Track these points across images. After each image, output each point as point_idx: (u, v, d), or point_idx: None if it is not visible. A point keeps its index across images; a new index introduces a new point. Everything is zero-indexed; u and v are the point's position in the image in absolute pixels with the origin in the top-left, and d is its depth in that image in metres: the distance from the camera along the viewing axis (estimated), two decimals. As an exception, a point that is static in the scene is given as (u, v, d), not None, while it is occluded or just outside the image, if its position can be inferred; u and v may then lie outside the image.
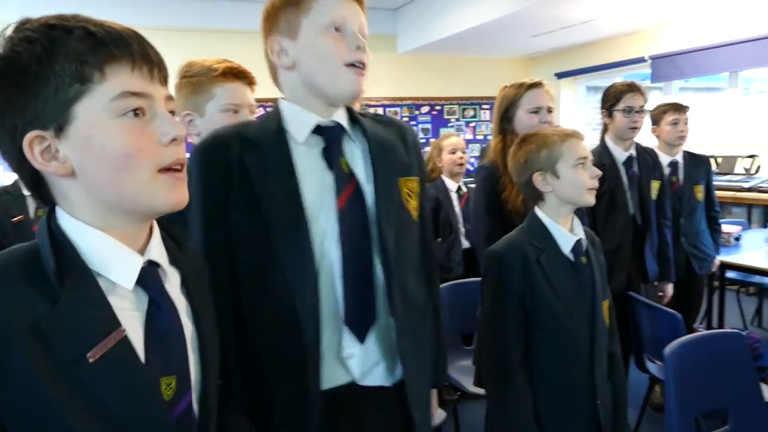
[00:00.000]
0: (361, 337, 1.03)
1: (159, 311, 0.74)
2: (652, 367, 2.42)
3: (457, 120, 7.50)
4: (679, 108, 3.05)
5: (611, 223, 2.51)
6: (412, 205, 1.11)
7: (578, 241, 1.43)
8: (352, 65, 1.06)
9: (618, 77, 6.76)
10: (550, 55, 7.40)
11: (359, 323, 1.03)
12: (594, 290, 1.41)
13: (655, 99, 6.18)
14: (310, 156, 1.06)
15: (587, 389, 1.40)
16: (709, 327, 3.50)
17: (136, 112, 0.71)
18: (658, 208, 2.62)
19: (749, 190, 4.67)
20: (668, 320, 2.18)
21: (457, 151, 3.17)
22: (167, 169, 0.73)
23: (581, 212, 2.48)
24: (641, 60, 6.21)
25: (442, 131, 7.22)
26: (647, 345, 2.42)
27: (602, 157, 2.57)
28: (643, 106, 2.50)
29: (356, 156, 1.09)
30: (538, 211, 1.47)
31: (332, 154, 1.07)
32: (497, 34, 6.07)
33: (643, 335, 2.43)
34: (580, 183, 1.42)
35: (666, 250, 2.65)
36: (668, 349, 1.81)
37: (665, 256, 2.64)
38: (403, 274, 1.07)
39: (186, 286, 0.82)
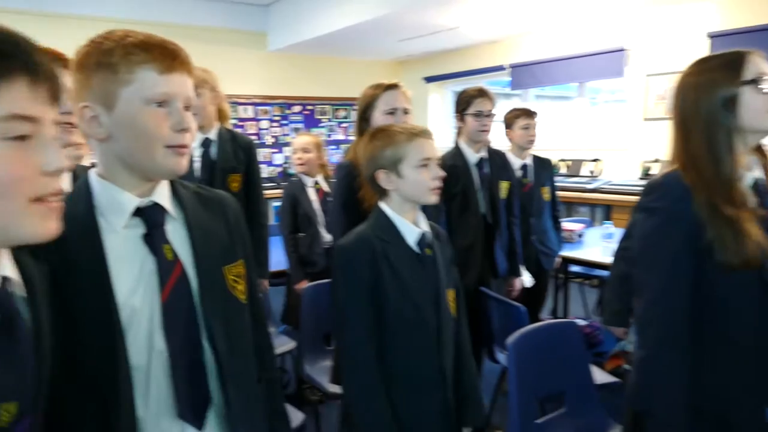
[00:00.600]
0: (198, 425, 0.99)
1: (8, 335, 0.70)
2: (502, 357, 2.56)
3: (329, 120, 7.53)
4: (530, 113, 3.26)
5: (464, 222, 2.63)
6: (240, 289, 1.07)
7: (423, 234, 1.47)
8: (173, 146, 0.95)
9: (481, 83, 7.12)
10: (419, 59, 7.64)
11: (192, 412, 0.98)
12: (438, 281, 1.46)
13: (514, 105, 6.58)
14: (128, 241, 0.96)
15: (437, 379, 1.45)
16: (555, 317, 3.78)
17: (23, 137, 0.65)
18: (508, 208, 2.77)
19: (593, 191, 5.11)
20: (514, 313, 2.32)
21: (298, 151, 3.22)
22: (40, 199, 0.69)
23: (438, 212, 2.59)
24: (501, 68, 6.60)
25: (312, 132, 7.20)
26: (497, 336, 2.56)
27: (456, 158, 2.68)
28: (491, 110, 2.64)
29: (181, 238, 1.01)
30: (383, 205, 1.49)
31: (155, 242, 0.97)
32: (367, 37, 6.17)
33: (494, 327, 2.56)
34: (422, 183, 1.44)
35: (515, 246, 2.82)
36: (510, 339, 1.92)
37: (514, 253, 2.81)
38: (236, 361, 1.03)
39: (33, 301, 0.77)
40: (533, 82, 6.41)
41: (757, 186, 1.31)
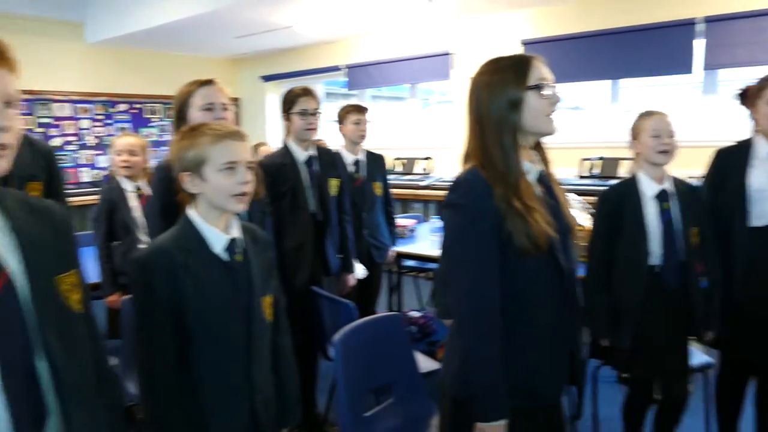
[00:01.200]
0: None
1: None
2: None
3: (160, 120, 7.10)
4: (360, 109, 3.33)
5: (294, 221, 2.61)
6: (75, 299, 1.02)
7: (233, 240, 1.42)
8: None
9: (319, 83, 7.16)
10: (256, 57, 7.49)
11: (30, 427, 0.91)
12: (251, 288, 1.42)
13: (351, 105, 6.68)
14: None
15: (245, 387, 1.41)
16: (390, 310, 3.91)
17: None
18: (338, 205, 2.81)
19: (426, 187, 5.36)
20: (344, 309, 2.35)
21: (123, 153, 2.99)
22: None
23: (264, 213, 2.54)
24: (338, 68, 6.68)
25: (141, 132, 6.76)
26: (329, 334, 2.57)
27: (284, 157, 2.66)
28: (317, 109, 2.65)
29: (7, 246, 0.93)
30: (190, 211, 1.42)
31: None
32: (200, 32, 5.91)
33: (326, 325, 2.58)
34: (224, 189, 1.38)
35: (347, 243, 2.86)
36: (337, 336, 1.94)
37: (346, 250, 2.85)
38: (73, 372, 0.97)
39: None
40: (369, 83, 6.57)
41: (541, 178, 1.44)
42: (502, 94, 1.35)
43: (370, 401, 2.13)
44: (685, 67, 4.62)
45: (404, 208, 5.72)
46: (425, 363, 2.49)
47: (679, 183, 2.16)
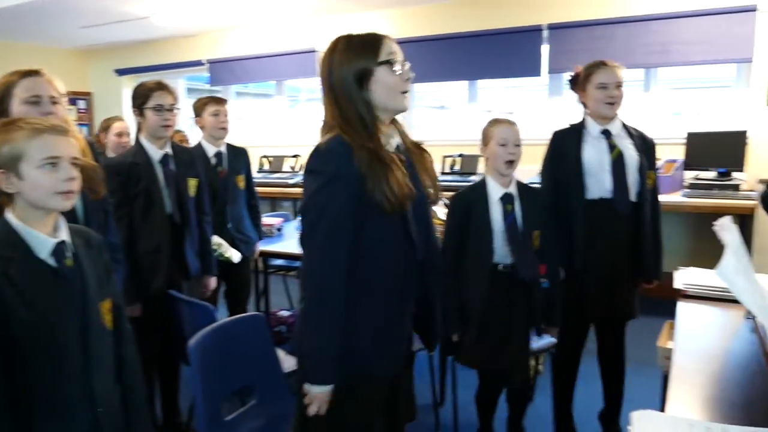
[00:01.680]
0: None
1: None
2: (197, 359, 2.49)
3: None
4: (218, 100, 3.22)
5: (149, 223, 2.47)
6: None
7: (60, 244, 1.31)
8: None
9: (180, 78, 6.85)
10: (109, 49, 7.00)
11: None
12: (85, 294, 1.32)
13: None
14: None
15: (84, 400, 1.31)
16: (258, 310, 3.84)
17: None
18: (197, 205, 2.69)
19: (294, 185, 5.31)
20: (203, 312, 2.27)
21: None
22: None
23: (121, 213, 2.38)
24: (200, 63, 6.43)
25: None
26: (190, 339, 2.47)
27: (137, 156, 2.50)
28: (173, 104, 2.53)
29: None
30: (8, 214, 1.29)
31: None
32: (40, 20, 5.42)
33: (186, 330, 2.47)
34: (45, 186, 1.27)
35: (207, 245, 2.76)
36: (192, 340, 1.87)
37: (206, 251, 2.75)
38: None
39: None
40: (232, 79, 6.39)
41: (399, 150, 1.49)
42: (351, 67, 1.39)
43: (235, 404, 2.08)
44: (534, 70, 4.98)
45: (273, 206, 5.64)
46: (292, 362, 2.46)
47: (523, 188, 2.30)
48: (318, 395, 1.41)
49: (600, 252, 2.35)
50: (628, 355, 2.56)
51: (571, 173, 2.36)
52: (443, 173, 5.01)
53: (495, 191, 2.24)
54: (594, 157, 2.35)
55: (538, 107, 5.34)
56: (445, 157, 5.08)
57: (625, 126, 2.43)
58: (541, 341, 2.53)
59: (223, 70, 6.36)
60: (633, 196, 2.35)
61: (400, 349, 1.54)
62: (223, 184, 3.17)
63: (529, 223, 2.23)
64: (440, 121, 7.21)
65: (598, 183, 2.35)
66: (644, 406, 0.97)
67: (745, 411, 1.01)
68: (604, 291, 2.37)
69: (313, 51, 5.66)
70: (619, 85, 2.34)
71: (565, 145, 2.41)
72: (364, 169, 1.35)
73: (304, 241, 1.43)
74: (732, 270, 1.01)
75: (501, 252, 2.22)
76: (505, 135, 2.19)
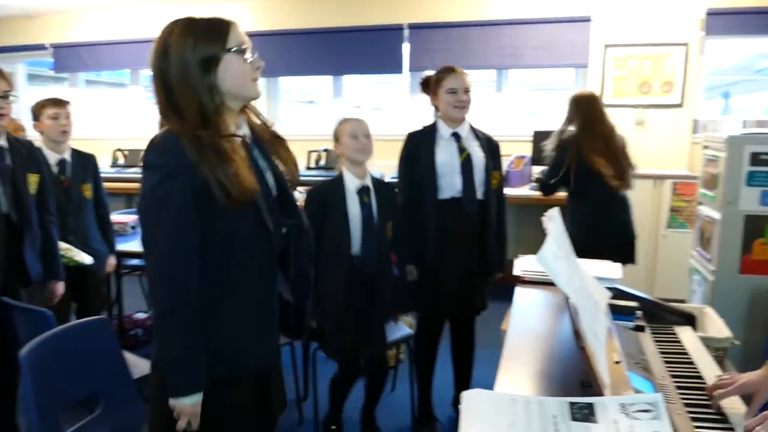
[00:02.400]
0: None
1: None
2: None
3: None
4: (59, 102, 2.95)
5: (-24, 223, 2.23)
6: None
7: None
8: None
9: (19, 63, 6.23)
10: (-70, 27, 6.19)
11: None
12: None
13: (61, 92, 5.96)
14: None
15: None
16: (110, 314, 3.61)
17: None
18: (39, 204, 2.46)
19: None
20: (40, 320, 2.09)
21: None
22: None
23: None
24: (43, 47, 5.88)
25: None
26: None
27: (-43, 149, 2.24)
28: (8, 91, 2.28)
29: None
30: None
31: None
32: None
33: (22, 340, 2.26)
34: None
35: (52, 247, 2.53)
36: (24, 350, 1.71)
37: (52, 254, 2.52)
38: None
39: None
40: (80, 66, 5.92)
41: (245, 141, 1.43)
42: (195, 53, 1.31)
43: (83, 415, 1.94)
44: (396, 67, 5.12)
45: (128, 203, 5.31)
46: (145, 367, 2.34)
47: (377, 182, 2.40)
48: (186, 407, 1.32)
49: (451, 249, 2.48)
50: (478, 340, 2.74)
51: (425, 174, 2.47)
52: (308, 168, 5.01)
53: (352, 184, 2.31)
54: (446, 159, 2.47)
55: (403, 104, 5.50)
56: (311, 152, 5.08)
57: (473, 128, 2.57)
58: (400, 332, 2.63)
59: (69, 55, 5.86)
60: (480, 195, 2.50)
61: (268, 344, 1.49)
62: (66, 194, 2.91)
63: (384, 215, 2.32)
64: (308, 115, 7.19)
65: (449, 184, 2.47)
66: (490, 387, 1.04)
67: (562, 383, 1.11)
68: (456, 286, 2.51)
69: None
70: (467, 90, 2.47)
71: (419, 147, 2.51)
72: (196, 159, 1.28)
73: (146, 242, 1.33)
74: (551, 256, 1.11)
75: (358, 243, 2.27)
76: (355, 128, 2.31)
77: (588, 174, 2.91)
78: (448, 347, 2.75)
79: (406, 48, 5.06)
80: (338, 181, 2.34)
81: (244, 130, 1.45)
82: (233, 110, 1.41)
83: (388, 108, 5.93)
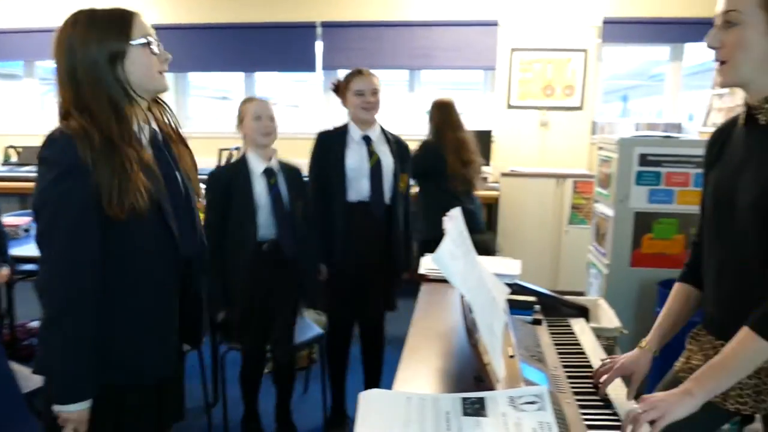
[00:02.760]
0: None
1: None
2: None
3: None
4: None
5: None
6: None
7: None
8: None
9: None
10: None
11: None
12: None
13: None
14: None
15: None
16: (1, 324, 3.37)
17: None
18: None
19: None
20: None
21: None
22: None
23: None
24: None
25: None
26: None
27: None
28: None
29: None
30: None
31: None
32: None
33: None
34: None
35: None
36: None
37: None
38: None
39: None
40: (-32, 56, 5.48)
41: (154, 139, 1.39)
42: (101, 48, 1.26)
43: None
44: (309, 66, 5.08)
45: (21, 203, 4.96)
46: (37, 380, 2.20)
47: (284, 163, 2.38)
48: (72, 416, 1.26)
49: (358, 250, 2.49)
50: (392, 339, 2.77)
51: (334, 177, 2.47)
52: (218, 167, 4.87)
53: (257, 166, 2.27)
54: (356, 163, 2.48)
55: (318, 103, 5.48)
56: (222, 149, 4.96)
57: (383, 131, 2.59)
58: (311, 332, 2.62)
59: (-46, 44, 5.41)
60: (388, 199, 2.53)
61: (167, 351, 1.45)
62: None
63: (293, 197, 2.31)
64: (220, 112, 7.00)
65: (358, 187, 2.48)
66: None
67: (457, 379, 1.15)
68: (363, 287, 2.52)
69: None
70: (374, 92, 2.48)
71: (329, 148, 2.51)
72: (96, 167, 1.23)
73: (41, 241, 1.26)
74: (447, 256, 1.14)
75: (265, 228, 2.24)
76: (259, 110, 2.27)
77: (438, 174, 3.11)
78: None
79: (319, 46, 5.04)
80: (242, 164, 2.27)
81: (149, 130, 1.40)
82: (142, 105, 1.36)
83: (304, 105, 5.87)
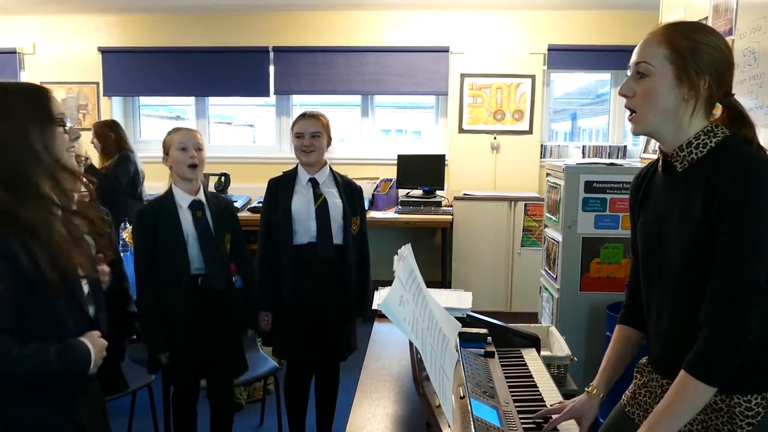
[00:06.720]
0: None
1: None
2: None
3: None
4: None
5: None
6: None
7: None
8: None
9: None
10: None
11: None
12: None
13: None
14: None
15: None
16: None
17: None
18: None
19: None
20: None
21: None
22: None
23: None
24: None
25: None
26: None
27: None
28: None
29: None
30: None
31: None
32: None
33: None
34: None
35: None
36: None
37: None
38: None
39: None
40: None
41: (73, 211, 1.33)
42: (24, 128, 1.23)
43: None
44: (263, 90, 5.07)
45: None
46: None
47: (210, 195, 2.33)
48: None
49: (308, 293, 2.46)
50: (351, 377, 2.71)
51: (281, 220, 2.46)
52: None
53: (183, 199, 2.22)
54: (302, 205, 2.47)
55: (269, 126, 5.46)
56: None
57: (333, 174, 2.58)
58: (264, 366, 2.57)
59: None
60: (338, 240, 2.51)
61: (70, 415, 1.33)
62: None
63: (220, 229, 2.27)
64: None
65: (305, 229, 2.47)
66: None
67: (408, 423, 1.15)
68: (315, 330, 2.48)
69: (14, 52, 4.95)
70: (313, 135, 2.46)
71: (278, 194, 2.51)
72: (18, 244, 1.19)
73: None
74: (396, 302, 1.15)
75: (197, 260, 2.20)
76: (184, 140, 2.20)
77: None
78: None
79: (272, 71, 5.03)
80: (167, 198, 2.21)
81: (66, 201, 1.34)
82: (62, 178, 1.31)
83: (261, 128, 5.83)
